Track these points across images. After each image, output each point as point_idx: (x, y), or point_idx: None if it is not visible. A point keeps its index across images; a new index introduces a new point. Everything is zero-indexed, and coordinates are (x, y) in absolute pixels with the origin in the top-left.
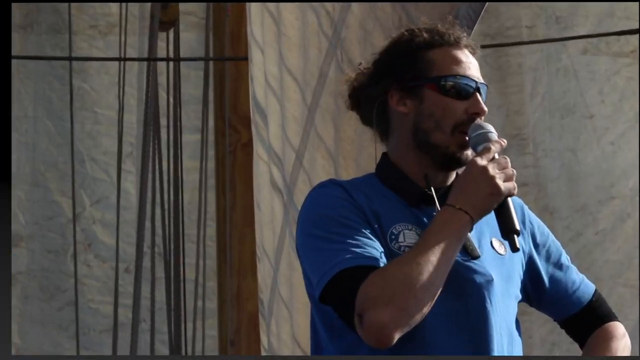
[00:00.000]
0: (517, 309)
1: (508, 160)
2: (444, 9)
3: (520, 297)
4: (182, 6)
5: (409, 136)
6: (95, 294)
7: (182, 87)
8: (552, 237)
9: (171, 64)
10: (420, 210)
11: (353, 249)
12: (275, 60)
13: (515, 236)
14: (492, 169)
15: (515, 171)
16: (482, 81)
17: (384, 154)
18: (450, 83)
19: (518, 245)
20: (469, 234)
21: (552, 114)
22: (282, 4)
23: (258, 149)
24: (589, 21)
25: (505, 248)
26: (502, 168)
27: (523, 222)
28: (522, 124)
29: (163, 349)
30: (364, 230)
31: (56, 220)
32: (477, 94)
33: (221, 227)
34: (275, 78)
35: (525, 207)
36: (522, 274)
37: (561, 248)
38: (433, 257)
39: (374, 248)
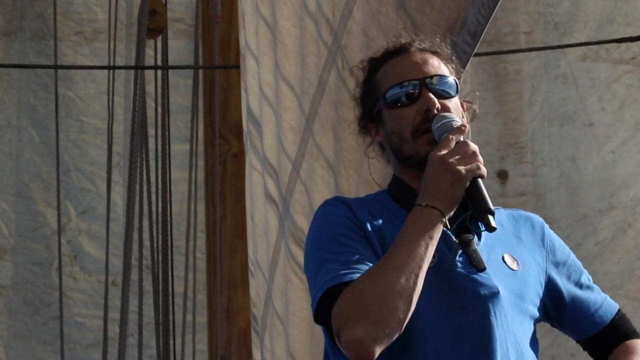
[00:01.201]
0: (532, 328)
1: (467, 142)
2: (451, 15)
3: (537, 315)
4: (171, 13)
5: (394, 159)
6: (81, 307)
7: (170, 96)
8: (573, 256)
9: (159, 72)
10: None
11: (343, 266)
12: (270, 69)
13: (490, 216)
14: (450, 157)
15: (476, 149)
16: (439, 72)
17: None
18: (393, 94)
19: (493, 224)
20: (476, 246)
21: (551, 122)
22: (278, 12)
23: (252, 160)
24: (588, 27)
25: (518, 264)
26: (462, 152)
27: (542, 241)
28: (520, 132)
29: None
30: (360, 248)
31: (41, 231)
32: (425, 90)
33: (211, 240)
34: (271, 87)
35: (546, 226)
36: (540, 292)
37: (582, 268)
38: (402, 262)
39: (365, 264)
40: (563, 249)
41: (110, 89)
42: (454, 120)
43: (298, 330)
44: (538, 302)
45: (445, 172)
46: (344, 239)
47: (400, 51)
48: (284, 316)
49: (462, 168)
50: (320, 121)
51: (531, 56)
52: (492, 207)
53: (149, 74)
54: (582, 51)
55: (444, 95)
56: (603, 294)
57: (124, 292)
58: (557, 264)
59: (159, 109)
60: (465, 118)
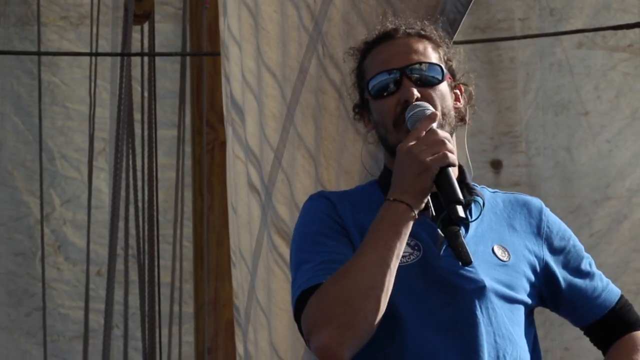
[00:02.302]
0: (525, 315)
1: (436, 130)
2: (430, 2)
3: (531, 302)
4: None
5: (383, 148)
6: (65, 298)
7: (157, 81)
8: (573, 242)
9: (146, 57)
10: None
11: (316, 267)
12: (252, 55)
13: (458, 206)
14: (416, 147)
15: (445, 137)
16: (421, 59)
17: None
18: (375, 85)
19: (461, 215)
20: (463, 239)
21: (545, 110)
22: None
23: (235, 148)
24: (585, 13)
25: (508, 254)
26: (429, 142)
27: (539, 228)
28: (514, 121)
29: (136, 356)
30: (337, 247)
31: (24, 221)
32: (406, 79)
33: (198, 230)
34: (253, 74)
35: (545, 212)
36: (534, 280)
37: (584, 253)
38: (369, 261)
39: (340, 264)
40: (562, 235)
41: (93, 76)
42: (426, 109)
43: (280, 322)
44: (531, 290)
45: (412, 163)
46: (321, 238)
47: (386, 37)
48: (267, 308)
49: (428, 158)
50: (301, 109)
51: (526, 43)
52: (461, 197)
53: (136, 58)
54: (578, 38)
55: (428, 82)
56: (605, 280)
57: (109, 282)
58: (554, 251)
59: (146, 94)
60: (460, 102)
